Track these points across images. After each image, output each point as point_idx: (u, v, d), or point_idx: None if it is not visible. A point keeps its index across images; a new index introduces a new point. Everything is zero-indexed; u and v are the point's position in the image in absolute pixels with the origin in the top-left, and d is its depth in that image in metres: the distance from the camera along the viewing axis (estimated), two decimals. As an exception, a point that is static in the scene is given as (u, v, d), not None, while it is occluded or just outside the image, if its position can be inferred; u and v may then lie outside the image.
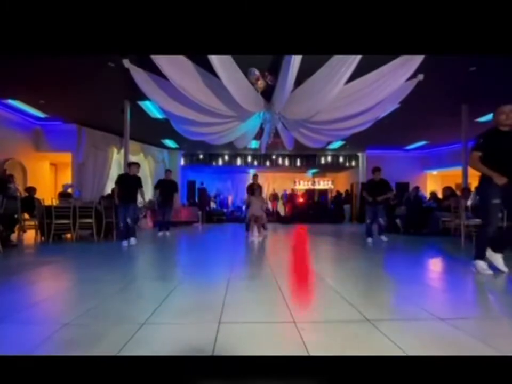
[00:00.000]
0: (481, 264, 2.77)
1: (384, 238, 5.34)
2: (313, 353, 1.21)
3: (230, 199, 14.57)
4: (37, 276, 2.72)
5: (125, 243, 4.71)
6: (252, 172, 14.21)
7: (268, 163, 12.74)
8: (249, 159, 12.61)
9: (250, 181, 6.84)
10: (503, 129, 2.71)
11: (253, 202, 5.99)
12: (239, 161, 12.60)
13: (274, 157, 12.66)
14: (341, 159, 12.71)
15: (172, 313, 1.70)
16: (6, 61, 4.63)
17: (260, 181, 6.96)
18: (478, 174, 2.83)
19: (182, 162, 12.42)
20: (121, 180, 4.98)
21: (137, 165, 5.11)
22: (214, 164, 12.58)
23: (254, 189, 6.17)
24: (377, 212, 5.36)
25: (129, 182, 4.92)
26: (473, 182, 9.13)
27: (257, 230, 5.79)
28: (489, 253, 2.82)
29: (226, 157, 12.52)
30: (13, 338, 1.39)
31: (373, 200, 5.30)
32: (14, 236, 5.30)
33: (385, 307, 1.85)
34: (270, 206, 13.90)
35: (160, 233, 6.39)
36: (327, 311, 1.74)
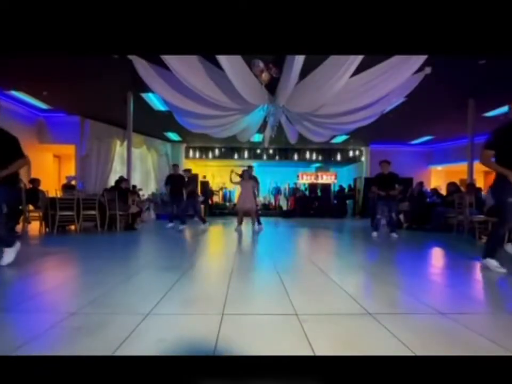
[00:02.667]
0: (493, 262, 2.69)
1: (394, 235, 5.15)
2: (314, 345, 1.22)
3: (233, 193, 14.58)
4: (42, 266, 2.76)
5: (170, 225, 6.44)
6: (254, 165, 14.18)
7: (270, 157, 12.69)
8: (252, 152, 12.57)
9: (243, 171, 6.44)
10: None
11: (242, 194, 5.92)
12: (242, 155, 12.56)
13: (277, 150, 12.60)
14: (344, 154, 12.63)
15: (176, 304, 1.72)
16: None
17: (263, 175, 6.79)
18: (486, 170, 2.79)
19: (185, 155, 12.41)
20: (169, 179, 6.52)
21: (177, 166, 6.80)
22: (217, 157, 12.55)
23: (243, 176, 6.07)
24: (390, 207, 5.22)
25: (176, 180, 6.44)
26: (478, 178, 9.06)
27: (254, 221, 5.86)
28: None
29: (229, 150, 12.49)
30: (19, 327, 1.42)
31: (386, 195, 5.14)
32: (18, 227, 5.37)
33: (387, 301, 1.86)
34: (272, 200, 13.91)
35: (170, 225, 6.47)
36: (328, 304, 1.75)
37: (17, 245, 2.78)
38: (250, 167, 6.48)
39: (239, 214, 6.06)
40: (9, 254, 2.67)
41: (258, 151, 12.56)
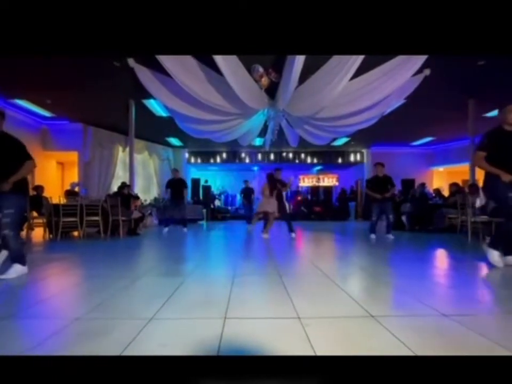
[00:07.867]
0: (495, 254, 2.74)
1: (390, 236, 5.25)
2: (317, 348, 1.22)
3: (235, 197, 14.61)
4: (46, 272, 2.78)
5: (166, 229, 6.53)
6: (255, 169, 14.20)
7: (272, 160, 12.72)
8: (253, 156, 12.62)
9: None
10: (508, 128, 2.70)
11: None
12: (243, 159, 12.61)
13: (278, 154, 12.63)
14: (345, 156, 12.64)
15: (179, 309, 1.73)
16: (13, 61, 4.70)
17: (264, 178, 6.55)
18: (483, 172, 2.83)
19: (187, 160, 12.47)
20: (170, 183, 6.60)
21: (177, 171, 7.00)
22: (218, 161, 12.61)
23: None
24: (385, 209, 5.28)
25: (176, 184, 6.58)
26: (481, 179, 9.04)
27: (267, 227, 5.85)
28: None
29: (230, 155, 12.54)
30: (24, 333, 1.43)
31: (381, 197, 5.20)
32: (22, 234, 5.41)
33: (389, 303, 1.86)
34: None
35: (166, 230, 6.53)
36: (331, 307, 1.75)
37: (25, 268, 2.66)
38: (277, 170, 5.84)
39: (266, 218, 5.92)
40: (15, 270, 2.56)
41: (260, 155, 12.60)
